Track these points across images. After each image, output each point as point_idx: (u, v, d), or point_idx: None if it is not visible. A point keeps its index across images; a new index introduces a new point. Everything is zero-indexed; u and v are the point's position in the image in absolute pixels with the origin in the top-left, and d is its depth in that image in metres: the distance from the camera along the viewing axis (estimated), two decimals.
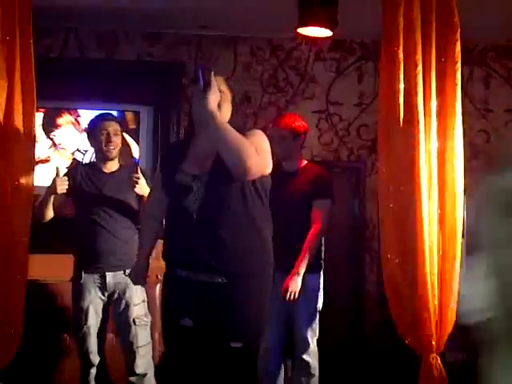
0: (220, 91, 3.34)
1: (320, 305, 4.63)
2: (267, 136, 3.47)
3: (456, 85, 3.96)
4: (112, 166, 4.56)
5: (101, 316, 4.47)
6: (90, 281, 4.43)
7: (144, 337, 4.45)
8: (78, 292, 4.44)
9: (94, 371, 4.47)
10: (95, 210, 4.43)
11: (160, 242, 3.64)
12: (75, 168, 4.71)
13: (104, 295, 4.45)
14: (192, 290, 3.38)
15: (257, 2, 5.46)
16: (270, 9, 5.48)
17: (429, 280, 3.84)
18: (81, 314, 4.42)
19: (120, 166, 4.59)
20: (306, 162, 4.75)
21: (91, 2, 5.49)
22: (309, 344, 4.58)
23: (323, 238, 4.59)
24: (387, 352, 5.59)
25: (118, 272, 4.41)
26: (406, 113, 3.92)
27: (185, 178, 3.37)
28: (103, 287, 4.43)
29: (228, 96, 3.50)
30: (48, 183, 4.38)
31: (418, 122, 3.88)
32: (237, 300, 3.34)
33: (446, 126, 3.96)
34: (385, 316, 4.24)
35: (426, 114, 3.93)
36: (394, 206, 3.94)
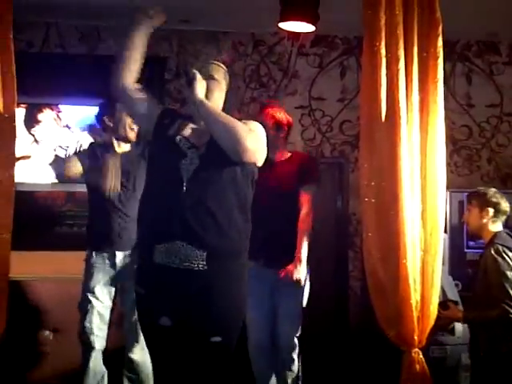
0: (213, 78, 3.49)
1: (305, 301, 4.64)
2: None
3: (438, 80, 3.95)
4: (126, 146, 4.56)
5: (111, 298, 4.47)
6: (100, 261, 4.43)
7: None
8: (88, 272, 4.44)
9: (96, 355, 4.41)
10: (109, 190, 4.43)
11: None
12: (90, 148, 4.69)
13: (114, 275, 4.44)
14: (170, 281, 3.31)
15: None
16: (252, 3, 5.46)
17: (411, 275, 3.84)
18: (87, 294, 4.42)
19: (131, 146, 4.59)
20: (289, 154, 4.76)
21: None
22: (295, 342, 4.58)
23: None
24: (372, 348, 5.61)
25: (128, 252, 4.40)
26: (387, 108, 3.91)
27: (184, 142, 3.39)
28: (114, 267, 4.42)
29: (222, 85, 3.57)
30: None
31: (400, 118, 3.87)
32: (216, 290, 3.30)
33: (428, 121, 3.95)
34: (369, 312, 4.24)
35: (408, 109, 3.92)
36: (375, 201, 3.94)
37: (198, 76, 3.38)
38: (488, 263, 4.37)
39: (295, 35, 5.73)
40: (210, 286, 3.29)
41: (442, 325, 4.61)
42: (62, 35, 6.17)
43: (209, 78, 3.48)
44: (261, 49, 6.53)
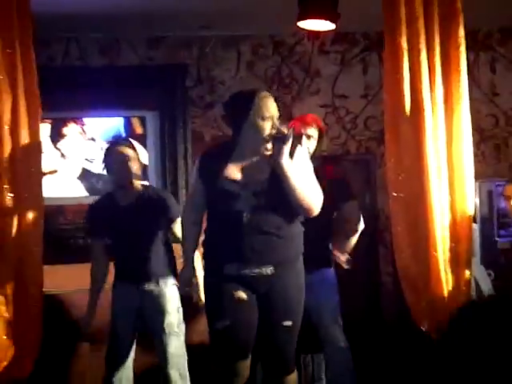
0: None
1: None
2: None
3: (461, 70, 3.92)
4: (129, 195, 4.46)
5: (131, 326, 4.52)
6: (123, 291, 4.50)
7: (175, 346, 4.46)
8: (113, 301, 4.54)
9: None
10: (125, 236, 4.46)
11: None
12: (92, 211, 4.64)
13: (136, 304, 4.49)
14: (241, 283, 3.65)
15: None
16: (270, 5, 5.45)
17: (442, 267, 3.82)
18: (112, 322, 4.52)
19: (139, 192, 4.49)
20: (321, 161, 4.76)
21: (90, 10, 5.46)
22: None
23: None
24: (407, 342, 5.58)
25: (151, 282, 4.46)
26: (411, 101, 3.90)
27: (232, 185, 3.61)
28: (137, 296, 4.48)
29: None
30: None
31: (424, 110, 3.85)
32: (283, 285, 3.67)
33: (453, 112, 3.93)
34: (402, 307, 4.22)
35: (432, 101, 3.90)
36: (404, 195, 3.92)
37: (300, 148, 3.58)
38: None
39: (315, 34, 5.71)
40: (279, 283, 3.67)
41: None
42: (82, 48, 6.21)
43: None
44: (281, 50, 6.51)
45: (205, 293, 3.83)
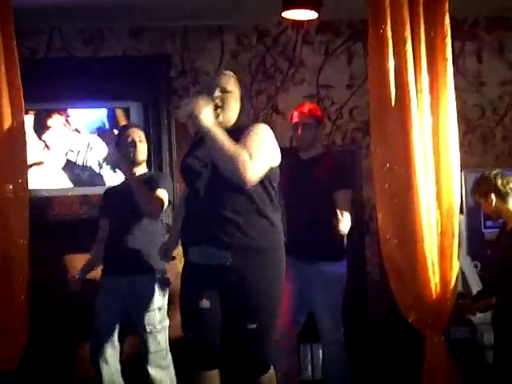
0: (226, 91, 3.62)
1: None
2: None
3: (447, 59, 3.91)
4: (137, 171, 4.65)
5: (115, 320, 4.59)
6: (108, 284, 4.58)
7: (155, 344, 4.50)
8: (98, 293, 4.61)
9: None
10: (116, 219, 4.62)
11: None
12: (105, 192, 4.94)
13: (119, 298, 4.53)
14: (204, 274, 3.59)
15: None
16: None
17: (429, 258, 3.82)
18: (95, 315, 4.57)
19: (142, 176, 4.68)
20: (322, 149, 4.88)
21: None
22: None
23: None
24: (392, 333, 5.59)
25: (135, 276, 4.49)
26: (397, 91, 3.89)
27: (195, 163, 3.66)
28: (120, 290, 4.52)
29: (236, 94, 3.69)
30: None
31: (410, 100, 3.84)
32: (246, 281, 3.52)
33: (439, 102, 3.92)
34: (388, 297, 4.22)
35: (418, 91, 3.89)
36: (389, 186, 3.92)
37: (201, 102, 3.39)
38: None
39: (299, 23, 5.69)
40: (240, 277, 3.52)
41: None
42: (65, 39, 6.15)
43: (223, 91, 3.63)
44: (265, 40, 6.46)
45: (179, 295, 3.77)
